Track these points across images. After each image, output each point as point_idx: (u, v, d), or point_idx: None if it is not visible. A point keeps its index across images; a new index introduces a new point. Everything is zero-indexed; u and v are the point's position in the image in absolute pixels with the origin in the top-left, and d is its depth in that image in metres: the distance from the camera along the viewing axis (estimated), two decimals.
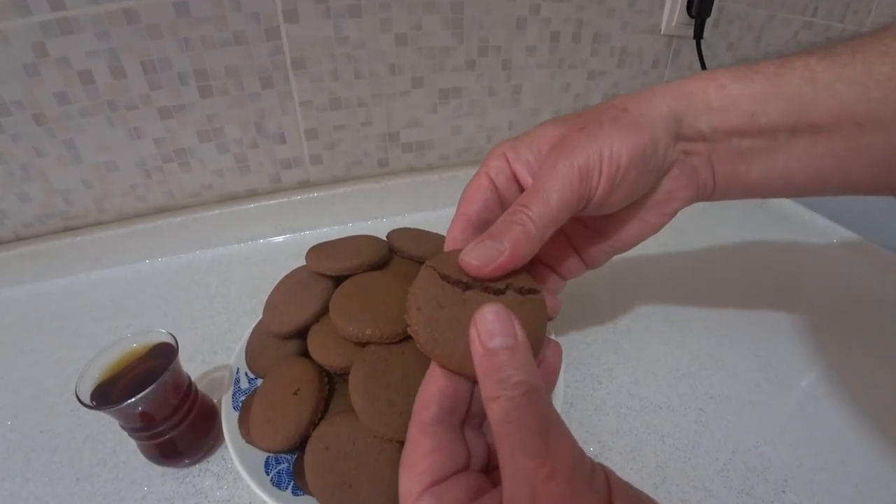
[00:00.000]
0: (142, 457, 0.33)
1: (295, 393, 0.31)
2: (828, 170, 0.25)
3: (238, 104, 0.53)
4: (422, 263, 0.24)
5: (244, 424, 0.32)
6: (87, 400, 0.29)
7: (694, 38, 0.63)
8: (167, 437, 0.31)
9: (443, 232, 0.42)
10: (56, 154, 0.50)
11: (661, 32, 0.63)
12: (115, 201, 0.54)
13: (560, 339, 0.40)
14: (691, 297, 0.48)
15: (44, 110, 0.47)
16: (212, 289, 0.52)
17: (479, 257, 0.22)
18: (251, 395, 0.34)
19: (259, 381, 0.36)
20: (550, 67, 0.61)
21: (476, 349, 0.18)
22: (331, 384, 0.33)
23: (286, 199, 0.58)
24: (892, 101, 0.22)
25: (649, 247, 0.31)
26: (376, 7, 0.51)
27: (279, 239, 0.59)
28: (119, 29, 0.45)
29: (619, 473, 0.33)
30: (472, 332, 0.18)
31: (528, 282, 0.23)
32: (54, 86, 0.46)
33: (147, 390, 0.28)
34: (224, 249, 0.57)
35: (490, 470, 0.21)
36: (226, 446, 0.32)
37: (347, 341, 0.31)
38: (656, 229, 0.29)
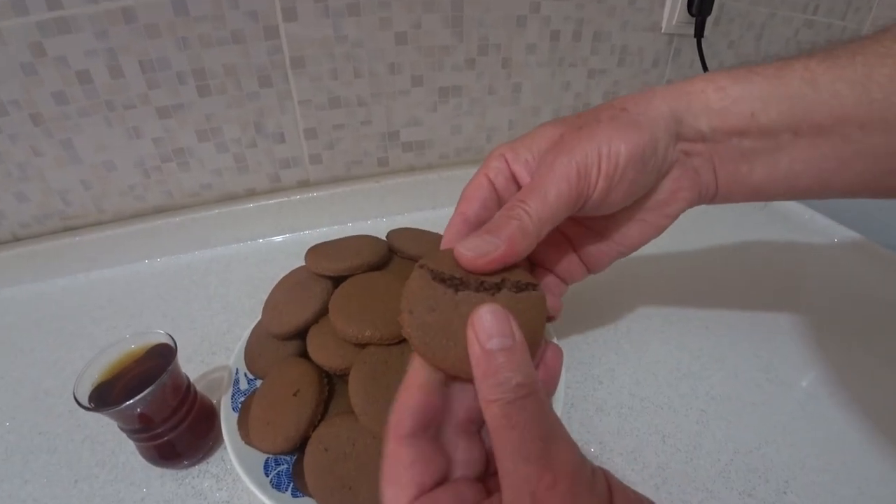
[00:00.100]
0: (141, 458, 0.33)
1: (294, 394, 0.30)
2: (831, 172, 0.24)
3: (237, 103, 0.52)
4: None
5: (243, 426, 0.32)
6: (85, 402, 0.28)
7: (695, 36, 0.62)
8: (166, 438, 0.31)
9: (443, 231, 0.42)
10: (54, 154, 0.49)
11: (662, 31, 0.63)
12: (113, 201, 0.54)
13: (561, 340, 0.40)
14: (692, 297, 0.48)
15: (41, 110, 0.47)
16: (211, 289, 0.51)
17: (473, 249, 0.22)
18: (250, 396, 0.34)
19: (258, 382, 0.36)
20: (550, 66, 0.61)
21: (474, 351, 0.18)
22: (330, 385, 0.32)
23: (285, 199, 0.58)
24: (894, 102, 0.22)
25: (649, 247, 0.30)
26: (375, 6, 0.51)
27: (278, 239, 0.59)
28: (117, 28, 0.45)
29: (621, 474, 0.33)
30: (470, 334, 0.18)
31: (525, 277, 0.23)
32: (52, 85, 0.46)
33: (146, 392, 0.28)
34: (223, 249, 0.57)
35: (487, 476, 0.20)
36: (225, 447, 0.32)
37: (347, 342, 0.31)
38: (659, 231, 0.29)
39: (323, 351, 0.32)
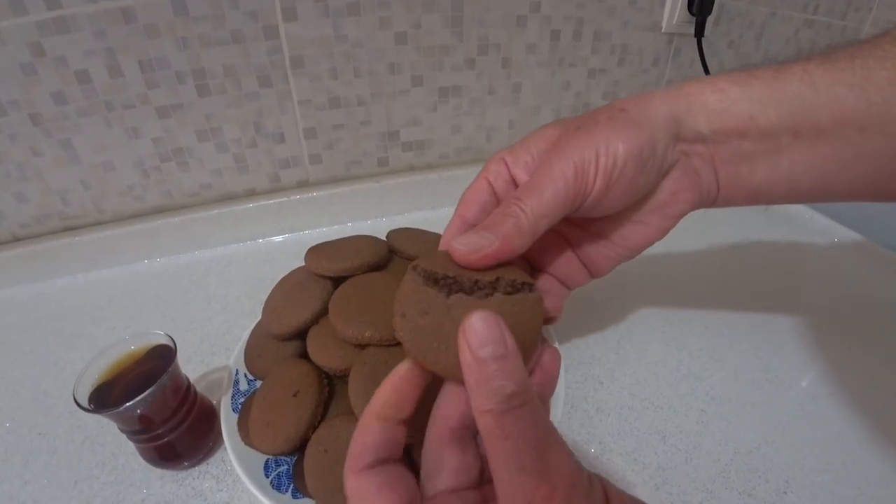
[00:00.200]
0: (141, 459, 0.33)
1: (294, 395, 0.30)
2: (832, 175, 0.24)
3: (236, 103, 0.52)
4: None
5: (243, 427, 0.32)
6: (85, 403, 0.28)
7: (695, 36, 0.62)
8: (166, 439, 0.31)
9: (443, 231, 0.42)
10: (53, 154, 0.49)
11: (662, 30, 0.63)
12: (112, 201, 0.54)
13: (561, 341, 0.40)
14: (692, 297, 0.48)
15: (40, 110, 0.47)
16: (210, 289, 0.51)
17: (467, 244, 0.21)
18: (250, 396, 0.34)
19: (258, 383, 0.36)
20: (551, 66, 0.61)
21: (465, 359, 0.17)
22: (330, 386, 0.32)
23: (285, 199, 0.58)
24: (894, 105, 0.22)
25: (650, 247, 0.30)
26: (375, 5, 0.51)
27: (278, 239, 0.59)
28: (116, 28, 0.45)
29: (621, 475, 0.33)
30: (461, 342, 0.17)
31: (520, 276, 0.23)
32: (51, 85, 0.46)
33: (145, 393, 0.28)
34: (223, 249, 0.57)
35: (483, 483, 0.20)
36: (225, 448, 0.32)
37: (347, 343, 0.31)
38: (661, 233, 0.28)
39: (323, 352, 0.32)
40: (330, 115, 0.56)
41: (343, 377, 0.32)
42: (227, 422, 0.33)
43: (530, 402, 0.17)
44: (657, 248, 0.29)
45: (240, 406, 0.34)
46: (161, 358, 0.31)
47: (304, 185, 0.60)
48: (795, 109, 0.23)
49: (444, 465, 0.20)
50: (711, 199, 0.27)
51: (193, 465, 0.34)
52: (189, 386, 0.33)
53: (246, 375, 0.37)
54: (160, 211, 0.56)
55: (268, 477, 0.30)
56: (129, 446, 0.33)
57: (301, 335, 0.34)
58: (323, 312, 0.34)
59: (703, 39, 0.63)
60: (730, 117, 0.24)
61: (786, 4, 0.68)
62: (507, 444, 0.16)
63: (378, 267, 0.37)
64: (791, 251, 0.55)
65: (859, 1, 0.66)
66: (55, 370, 0.43)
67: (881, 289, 0.49)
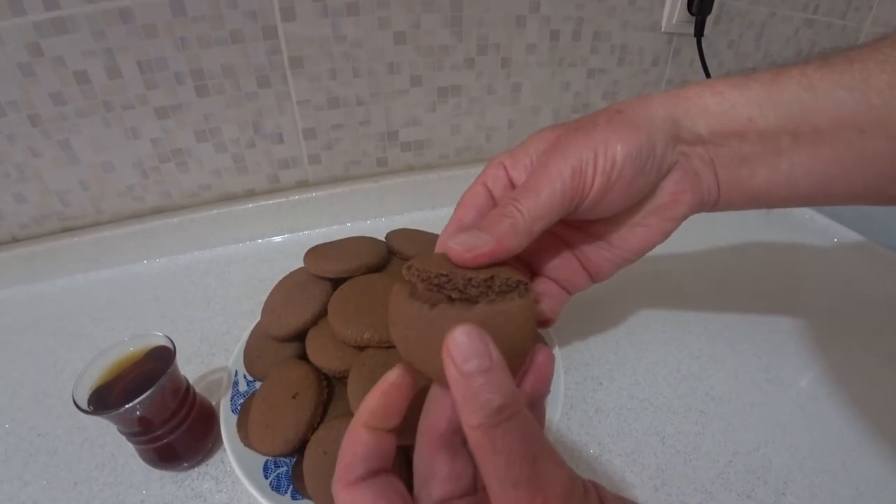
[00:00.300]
0: (140, 460, 0.33)
1: (293, 397, 0.30)
2: (833, 178, 0.24)
3: (235, 104, 0.52)
4: None
5: (243, 428, 0.32)
6: (84, 405, 0.28)
7: (694, 35, 0.62)
8: (165, 440, 0.31)
9: (441, 232, 0.42)
10: (52, 155, 0.49)
11: (662, 30, 0.62)
12: (112, 202, 0.54)
13: (560, 341, 0.40)
14: (691, 297, 0.48)
15: (39, 111, 0.47)
16: (210, 290, 0.51)
17: (462, 243, 0.21)
18: (249, 398, 0.34)
19: (257, 384, 0.36)
20: (550, 66, 0.61)
21: (451, 374, 0.17)
22: (329, 388, 0.32)
23: (284, 199, 0.58)
24: (895, 108, 0.22)
25: (651, 250, 0.30)
26: (374, 5, 0.51)
27: (278, 239, 0.59)
28: (115, 28, 0.45)
29: (620, 476, 0.33)
30: (446, 358, 0.17)
31: (514, 274, 0.23)
32: (49, 86, 0.46)
33: (144, 395, 0.28)
34: (222, 250, 0.57)
35: (477, 490, 0.20)
36: (224, 449, 0.32)
37: (346, 344, 0.31)
38: (662, 236, 0.28)
39: (322, 353, 0.32)
40: (329, 116, 0.56)
41: (342, 379, 0.32)
42: (227, 423, 0.33)
43: (519, 413, 0.16)
44: (657, 248, 0.29)
45: (239, 407, 0.34)
46: (160, 359, 0.31)
47: (303, 185, 0.60)
48: (794, 112, 0.23)
49: (435, 473, 0.20)
50: (712, 202, 0.27)
51: (193, 467, 0.34)
52: (188, 387, 0.33)
53: (245, 376, 0.37)
54: (159, 211, 0.56)
55: (267, 478, 0.30)
56: (129, 447, 0.33)
57: (300, 336, 0.34)
58: (322, 314, 0.34)
59: (703, 39, 0.63)
60: (728, 119, 0.24)
61: (786, 4, 0.67)
62: (498, 459, 0.16)
63: (377, 268, 0.37)
64: (791, 251, 0.55)
65: (859, 1, 0.66)
66: (55, 371, 0.43)
67: (881, 289, 0.49)
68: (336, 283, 0.36)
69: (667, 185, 0.26)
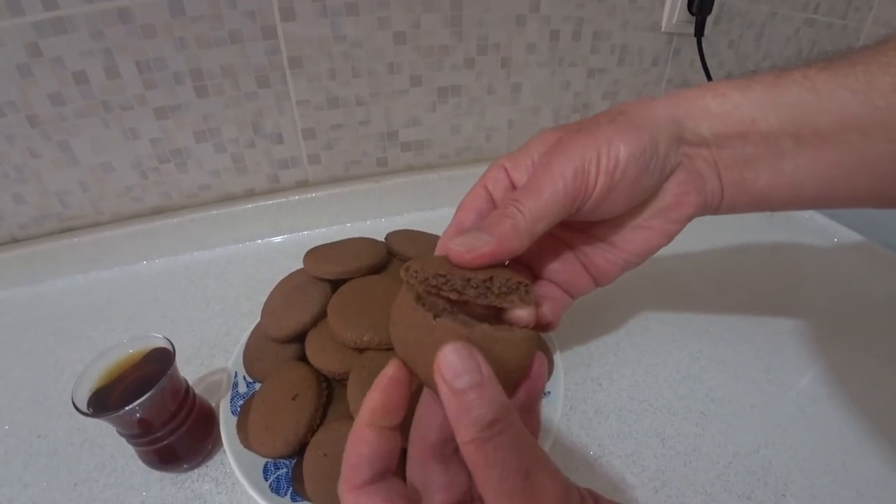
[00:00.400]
0: (140, 462, 0.33)
1: (293, 399, 0.30)
2: (836, 181, 0.24)
3: (234, 104, 0.52)
4: None
5: (242, 429, 0.32)
6: (83, 407, 0.28)
7: (695, 35, 0.62)
8: (165, 442, 0.31)
9: (441, 232, 0.42)
10: (51, 155, 0.49)
11: (662, 30, 0.62)
12: (111, 202, 0.54)
13: (560, 342, 0.40)
14: (691, 298, 0.48)
15: (38, 111, 0.47)
16: (209, 290, 0.51)
17: (462, 244, 0.21)
18: (249, 399, 0.34)
19: (257, 385, 0.36)
20: (550, 65, 0.61)
21: (443, 391, 0.17)
22: (329, 390, 0.32)
23: (284, 200, 0.58)
24: None
25: (655, 253, 0.30)
26: (374, 5, 0.51)
27: (277, 239, 0.59)
28: (113, 28, 0.45)
29: (620, 477, 0.33)
30: (437, 377, 0.17)
31: (514, 275, 0.22)
32: (48, 86, 0.46)
33: (144, 397, 0.28)
34: (222, 250, 0.57)
35: (474, 500, 0.20)
36: (224, 451, 0.32)
37: (346, 346, 0.31)
38: (666, 238, 0.28)
39: (322, 355, 0.32)
40: (329, 116, 0.56)
41: (342, 381, 0.32)
42: (227, 424, 0.33)
43: (512, 426, 0.17)
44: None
45: (239, 409, 0.34)
46: (159, 361, 0.31)
47: (302, 185, 0.60)
48: (796, 114, 0.23)
49: (431, 483, 0.20)
50: (716, 205, 0.27)
51: (193, 468, 0.34)
52: (188, 389, 0.33)
53: (245, 378, 0.36)
54: (159, 212, 0.56)
55: (267, 480, 0.30)
56: (129, 449, 0.33)
57: (300, 338, 0.34)
58: (322, 315, 0.34)
59: (703, 39, 0.62)
60: (731, 121, 0.24)
61: (786, 4, 0.67)
62: (492, 473, 0.16)
63: (377, 269, 0.37)
64: (791, 252, 0.55)
65: (860, 1, 0.66)
66: (55, 372, 0.43)
67: (881, 289, 0.49)
68: (335, 284, 0.36)
69: (670, 187, 0.26)
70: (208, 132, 0.53)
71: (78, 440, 0.37)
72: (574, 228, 0.29)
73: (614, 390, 0.39)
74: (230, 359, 0.38)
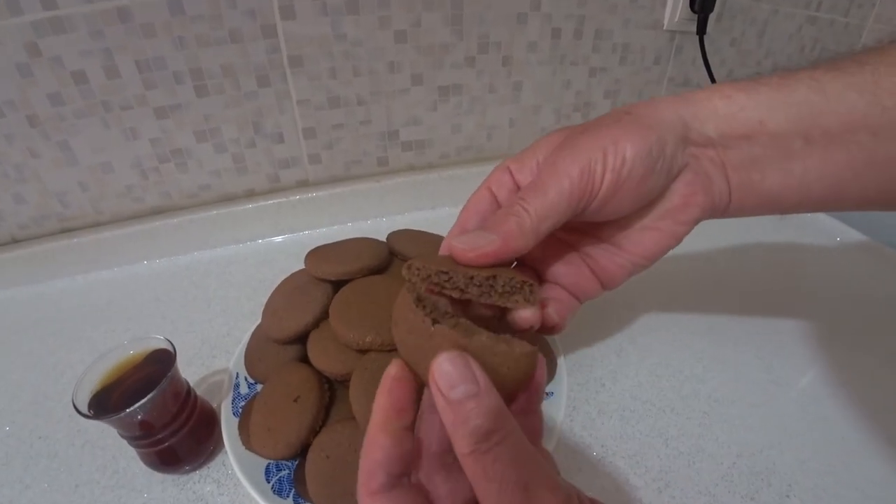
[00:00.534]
0: (142, 463, 0.32)
1: (295, 400, 0.30)
2: (846, 182, 0.24)
3: (235, 103, 0.52)
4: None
5: (244, 431, 0.32)
6: (84, 409, 0.28)
7: (697, 33, 0.62)
8: (167, 444, 0.31)
9: (443, 232, 0.42)
10: (51, 155, 0.49)
11: (664, 28, 0.62)
12: (111, 202, 0.54)
13: (563, 343, 0.40)
14: (694, 298, 0.47)
15: (37, 111, 0.46)
16: (210, 290, 0.51)
17: (467, 242, 0.21)
18: (251, 400, 0.34)
19: (258, 387, 0.35)
20: (551, 64, 0.60)
21: (439, 402, 0.17)
22: (331, 391, 0.32)
23: (285, 199, 0.57)
24: None
25: (663, 255, 0.30)
26: (375, 4, 0.50)
27: (278, 239, 0.59)
28: (113, 28, 0.44)
29: (623, 478, 0.33)
30: (433, 386, 0.17)
31: (517, 275, 0.22)
32: (48, 86, 0.45)
33: (145, 399, 0.28)
34: (222, 250, 0.57)
35: None
36: (226, 452, 0.31)
37: (348, 347, 0.31)
38: (674, 240, 0.28)
39: (324, 356, 0.32)
40: (329, 115, 0.56)
41: (344, 382, 0.31)
42: (228, 426, 0.33)
43: (510, 436, 0.16)
44: None
45: (240, 410, 0.34)
46: (160, 362, 0.31)
47: (303, 185, 0.60)
48: (804, 115, 0.23)
49: (434, 492, 0.19)
50: (724, 207, 0.27)
51: (194, 470, 0.34)
52: (189, 390, 0.33)
53: (246, 379, 0.36)
54: (159, 212, 0.56)
55: (269, 482, 0.30)
56: (130, 450, 0.32)
57: (301, 339, 0.34)
58: (323, 316, 0.34)
59: (706, 37, 0.62)
60: (737, 122, 0.24)
61: (788, 1, 0.67)
62: (491, 487, 0.16)
63: (378, 270, 0.37)
64: (794, 251, 0.55)
65: None
66: (55, 373, 0.43)
67: (885, 289, 0.48)
68: (337, 285, 0.35)
69: (678, 188, 0.26)
70: (208, 132, 0.53)
71: (79, 441, 0.37)
72: (580, 230, 0.29)
73: (617, 390, 0.39)
74: (231, 359, 0.37)
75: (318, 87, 0.53)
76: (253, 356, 0.36)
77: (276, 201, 0.57)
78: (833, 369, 0.40)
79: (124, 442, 0.31)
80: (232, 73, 0.50)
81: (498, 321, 0.25)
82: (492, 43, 0.56)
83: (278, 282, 0.39)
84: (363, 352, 0.31)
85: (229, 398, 0.35)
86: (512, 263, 0.27)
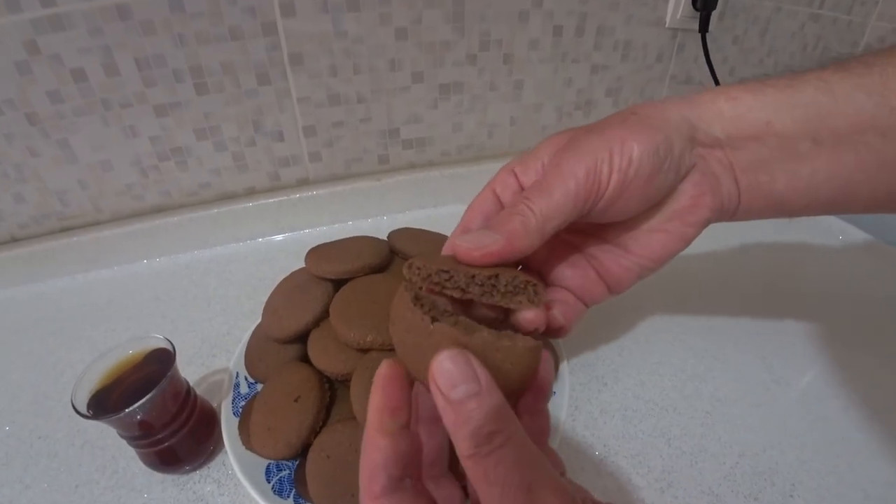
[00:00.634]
0: (141, 463, 0.32)
1: (296, 400, 0.30)
2: (856, 184, 0.24)
3: (235, 101, 0.52)
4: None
5: (244, 431, 0.32)
6: (83, 409, 0.28)
7: (699, 31, 0.61)
8: (166, 444, 0.31)
9: (444, 230, 0.42)
10: (50, 154, 0.49)
11: (666, 26, 0.62)
12: (111, 201, 0.54)
13: (564, 341, 0.40)
14: (695, 297, 0.47)
15: (36, 109, 0.46)
16: (210, 289, 0.51)
17: (471, 241, 0.21)
18: (251, 400, 0.34)
19: (259, 386, 0.35)
20: (553, 61, 0.60)
21: (439, 402, 0.16)
22: (332, 391, 0.32)
23: (285, 198, 0.57)
24: None
25: (672, 259, 0.29)
26: (375, 1, 0.50)
27: (278, 238, 0.58)
28: (112, 25, 0.44)
29: (626, 478, 0.33)
30: (433, 386, 0.16)
31: (521, 275, 0.22)
32: (47, 84, 0.45)
33: (145, 399, 0.28)
34: (222, 249, 0.57)
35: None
36: (226, 452, 0.31)
37: (349, 347, 0.31)
38: (683, 242, 0.27)
39: (324, 356, 0.31)
40: (329, 113, 0.55)
41: (345, 382, 0.31)
42: (228, 426, 0.33)
43: (513, 438, 0.16)
44: None
45: (241, 410, 0.34)
46: (160, 362, 0.31)
47: (303, 183, 0.59)
48: (812, 116, 0.23)
49: (440, 494, 0.19)
50: (733, 209, 0.27)
51: (194, 470, 0.34)
52: (189, 389, 0.33)
53: (247, 378, 0.36)
54: (159, 210, 0.56)
55: (269, 482, 0.30)
56: (130, 450, 0.32)
57: (302, 338, 0.34)
58: (324, 315, 0.34)
59: (708, 35, 0.62)
60: (744, 123, 0.24)
61: None
62: (493, 490, 0.15)
63: (379, 269, 0.37)
64: (796, 250, 0.54)
65: None
66: (55, 372, 0.42)
67: (888, 288, 0.48)
68: (338, 283, 0.35)
69: (686, 188, 0.26)
70: (208, 130, 0.52)
71: (79, 441, 0.36)
72: (586, 232, 0.29)
73: (619, 389, 0.39)
74: (231, 359, 0.37)
75: (318, 84, 0.53)
76: (253, 355, 0.36)
77: (276, 199, 0.57)
78: (835, 369, 0.40)
79: (124, 442, 0.31)
80: (232, 71, 0.50)
81: (501, 323, 0.25)
82: (493, 40, 0.56)
83: (278, 280, 0.39)
84: (364, 351, 0.31)
85: (229, 398, 0.35)
86: (517, 266, 0.27)
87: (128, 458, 0.35)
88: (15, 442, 0.37)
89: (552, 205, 0.22)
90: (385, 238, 0.40)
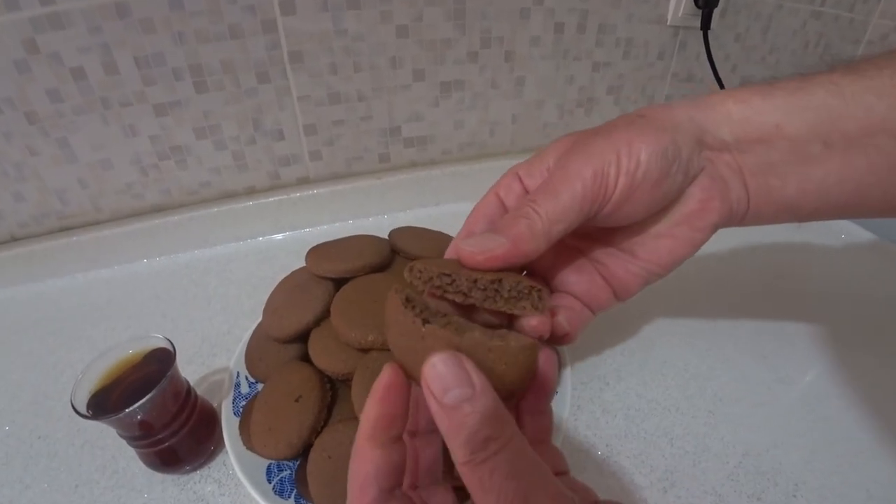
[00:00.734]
0: (142, 463, 0.32)
1: (296, 400, 0.30)
2: (868, 187, 0.23)
3: (235, 100, 0.51)
4: None
5: (245, 431, 0.32)
6: (83, 409, 0.28)
7: (701, 28, 0.61)
8: (167, 444, 0.31)
9: (445, 229, 0.42)
10: (50, 153, 0.49)
11: (668, 23, 0.61)
12: (110, 200, 0.53)
13: None
14: (698, 296, 0.47)
15: (36, 108, 0.46)
16: (210, 288, 0.51)
17: (475, 245, 0.21)
18: (252, 400, 0.34)
19: (259, 386, 0.35)
20: (554, 59, 0.60)
21: (433, 407, 0.16)
22: (333, 390, 0.32)
23: (285, 197, 0.57)
24: None
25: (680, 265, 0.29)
26: None
27: (279, 237, 0.58)
28: (111, 23, 0.44)
29: (628, 478, 0.33)
30: (425, 390, 0.16)
31: (525, 280, 0.22)
32: (46, 83, 0.45)
33: (144, 399, 0.27)
34: (222, 248, 0.57)
35: None
36: (227, 452, 0.31)
37: (350, 346, 0.31)
38: (693, 247, 0.27)
39: (325, 355, 0.31)
40: (330, 111, 0.55)
41: (346, 381, 0.31)
42: (229, 426, 0.32)
43: (509, 443, 0.16)
44: None
45: (241, 409, 0.34)
46: (160, 362, 0.31)
47: (304, 182, 0.59)
48: (822, 118, 0.23)
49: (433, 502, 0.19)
50: (742, 213, 0.26)
51: (195, 470, 0.34)
52: (189, 389, 0.33)
53: (247, 378, 0.36)
54: (159, 210, 0.55)
55: (270, 482, 0.30)
56: (130, 450, 0.32)
57: (303, 338, 0.34)
58: (325, 315, 0.33)
59: (710, 32, 0.61)
60: (752, 127, 0.24)
61: None
62: (489, 498, 0.15)
63: (380, 268, 0.36)
64: (798, 250, 0.54)
65: None
66: (55, 372, 0.42)
67: (891, 287, 0.48)
68: (338, 283, 0.35)
69: (694, 192, 0.25)
70: (208, 129, 0.52)
71: (79, 441, 0.36)
72: (592, 237, 0.28)
73: (622, 389, 0.38)
74: (232, 358, 0.37)
75: (318, 83, 0.53)
76: (254, 355, 0.36)
77: (276, 198, 0.57)
78: (838, 368, 0.40)
79: (124, 442, 0.31)
80: (232, 70, 0.50)
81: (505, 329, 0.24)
82: (494, 38, 0.56)
83: (279, 280, 0.39)
84: (365, 350, 0.30)
85: (230, 397, 0.34)
86: (522, 271, 0.27)
87: (128, 458, 0.35)
88: (15, 442, 0.37)
89: (559, 207, 0.22)
90: (386, 237, 0.40)
